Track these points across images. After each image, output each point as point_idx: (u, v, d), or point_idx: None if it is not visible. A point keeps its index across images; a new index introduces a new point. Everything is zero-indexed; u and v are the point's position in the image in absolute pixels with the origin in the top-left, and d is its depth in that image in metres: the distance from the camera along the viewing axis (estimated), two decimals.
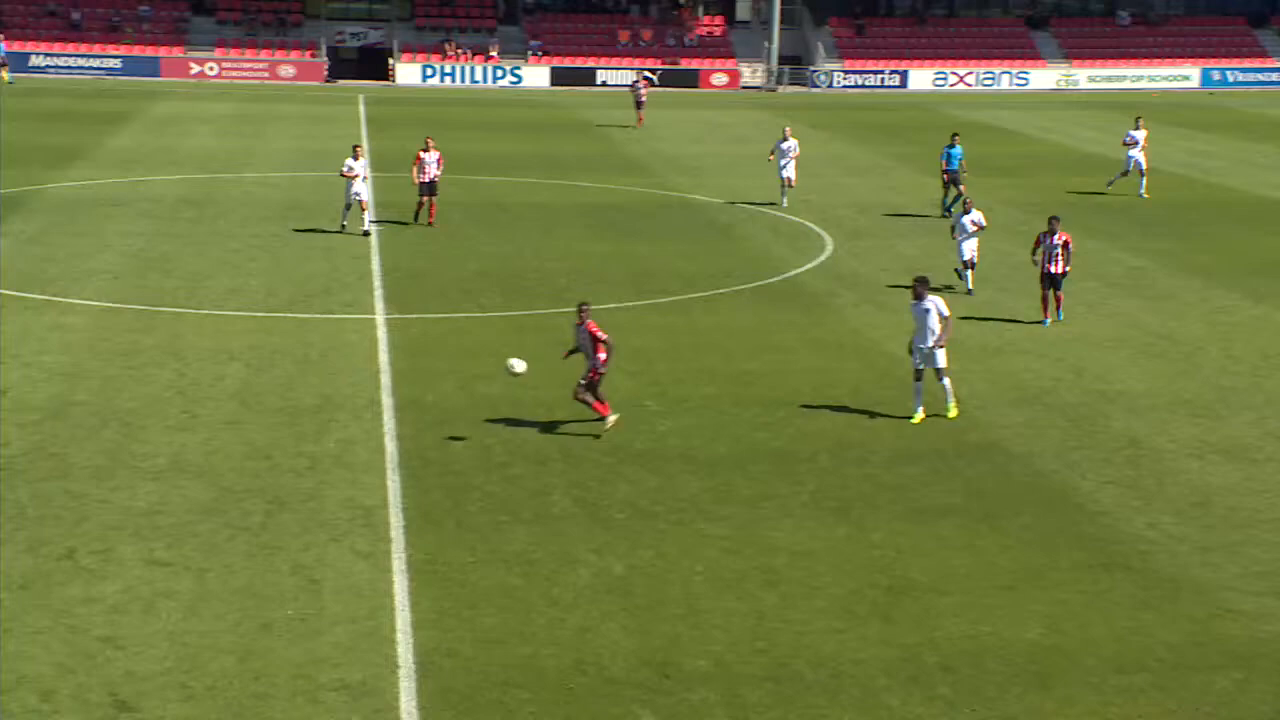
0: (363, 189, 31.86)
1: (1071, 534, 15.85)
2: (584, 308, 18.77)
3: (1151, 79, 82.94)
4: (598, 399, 18.71)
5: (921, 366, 19.35)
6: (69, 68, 73.40)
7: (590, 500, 16.67)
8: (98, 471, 17.02)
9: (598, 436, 18.48)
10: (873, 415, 19.85)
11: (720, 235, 34.34)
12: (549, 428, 19.19)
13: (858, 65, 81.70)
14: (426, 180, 32.81)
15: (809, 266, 30.45)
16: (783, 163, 37.17)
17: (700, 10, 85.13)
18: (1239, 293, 28.31)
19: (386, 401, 20.09)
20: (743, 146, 52.44)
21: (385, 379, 21.24)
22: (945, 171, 36.43)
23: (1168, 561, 15.11)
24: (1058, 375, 22.24)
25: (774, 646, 13.09)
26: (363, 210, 31.95)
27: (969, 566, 14.94)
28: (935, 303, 19.13)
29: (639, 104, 57.55)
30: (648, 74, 66.82)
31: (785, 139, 37.37)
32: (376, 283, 27.62)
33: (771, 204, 37.72)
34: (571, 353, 19.24)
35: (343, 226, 32.10)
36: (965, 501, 16.89)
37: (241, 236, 31.97)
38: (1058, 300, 25.13)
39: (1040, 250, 25.04)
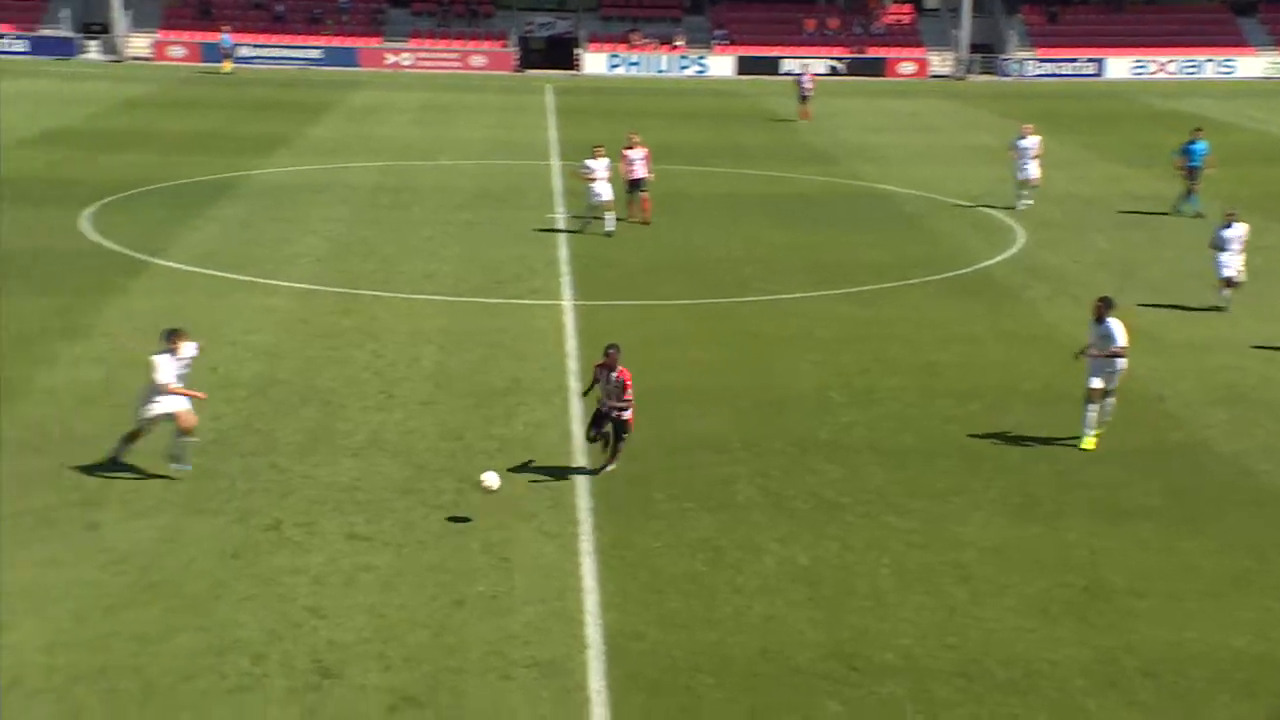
0: (605, 189, 31.09)
1: None
2: (612, 351, 16.81)
3: None
4: (615, 445, 17.01)
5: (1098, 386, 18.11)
6: (273, 58, 75.94)
7: (774, 490, 16.61)
8: (300, 447, 17.61)
9: (595, 471, 17.01)
10: (1065, 411, 19.31)
11: (908, 225, 33.86)
12: (732, 417, 19.17)
13: (1051, 53, 79.40)
14: (634, 178, 32.26)
15: (1000, 258, 29.80)
16: (1022, 162, 35.29)
17: None
18: None
19: (573, 386, 20.30)
20: (931, 136, 51.66)
21: (572, 364, 21.47)
22: (1185, 168, 34.78)
23: None
24: (1267, 373, 21.36)
25: (964, 643, 12.89)
26: (605, 211, 31.02)
27: (1169, 569, 14.46)
28: (1115, 327, 17.88)
29: (803, 98, 56.05)
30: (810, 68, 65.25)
31: (1023, 136, 35.50)
32: (564, 270, 27.93)
33: (970, 201, 37.00)
34: (587, 392, 17.70)
35: (583, 227, 31.57)
36: (1165, 502, 16.34)
37: (435, 223, 32.62)
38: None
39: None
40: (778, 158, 45.15)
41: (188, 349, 16.58)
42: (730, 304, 25.50)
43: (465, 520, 15.28)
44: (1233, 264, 25.11)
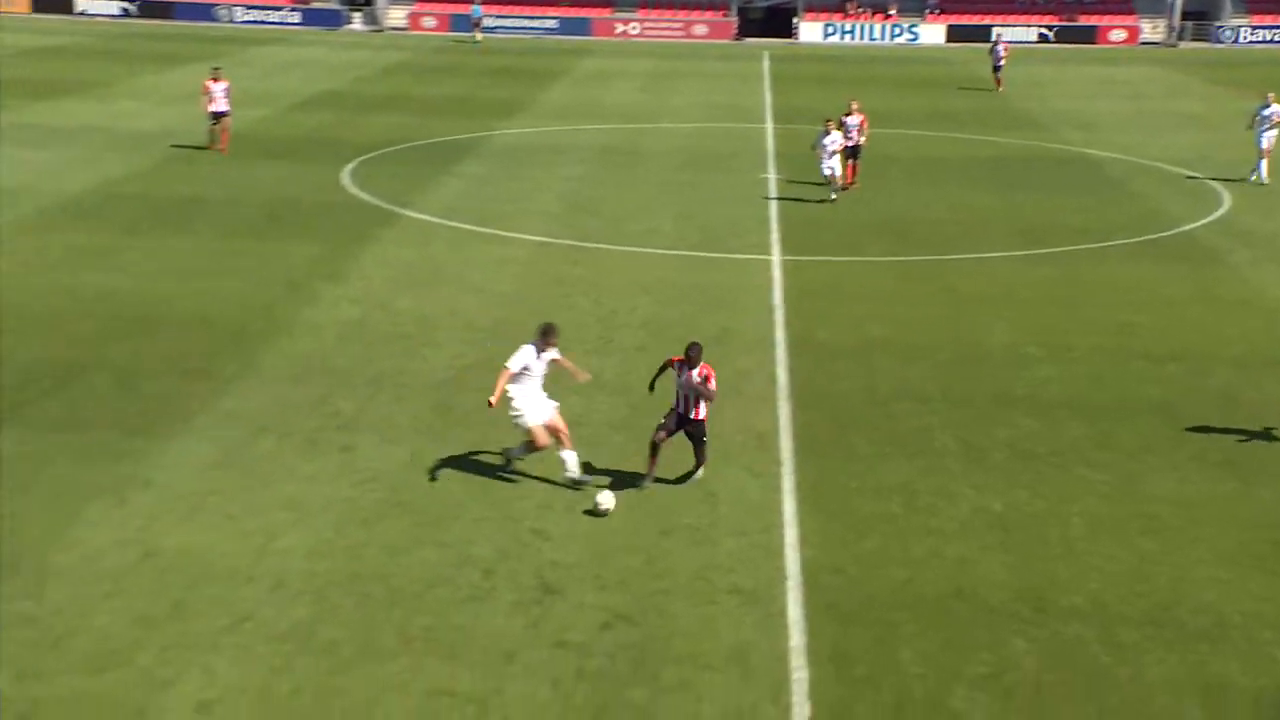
0: (835, 164, 29.93)
1: None
2: (694, 349, 14.53)
3: None
4: (699, 450, 14.88)
5: None
6: (514, 28, 77.27)
7: (970, 440, 16.32)
8: None
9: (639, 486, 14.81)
10: (1268, 375, 18.38)
11: (1112, 189, 32.49)
12: (931, 370, 18.88)
13: (1266, 20, 74.79)
14: (851, 145, 31.29)
15: (1204, 222, 28.44)
16: (1262, 130, 32.96)
17: None
18: None
19: (779, 337, 20.27)
20: (1139, 103, 49.37)
21: (779, 316, 21.42)
22: None
23: None
24: None
25: (1154, 591, 12.55)
26: (832, 181, 30.02)
27: None
28: None
29: (997, 67, 53.24)
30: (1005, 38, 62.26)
31: (1268, 104, 33.05)
32: (774, 228, 27.80)
33: (1188, 172, 35.27)
34: (654, 385, 15.57)
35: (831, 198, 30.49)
36: None
37: (656, 183, 32.85)
38: None
39: None
40: (985, 123, 43.91)
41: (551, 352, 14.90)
42: (934, 262, 25.03)
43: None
44: None
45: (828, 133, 29.80)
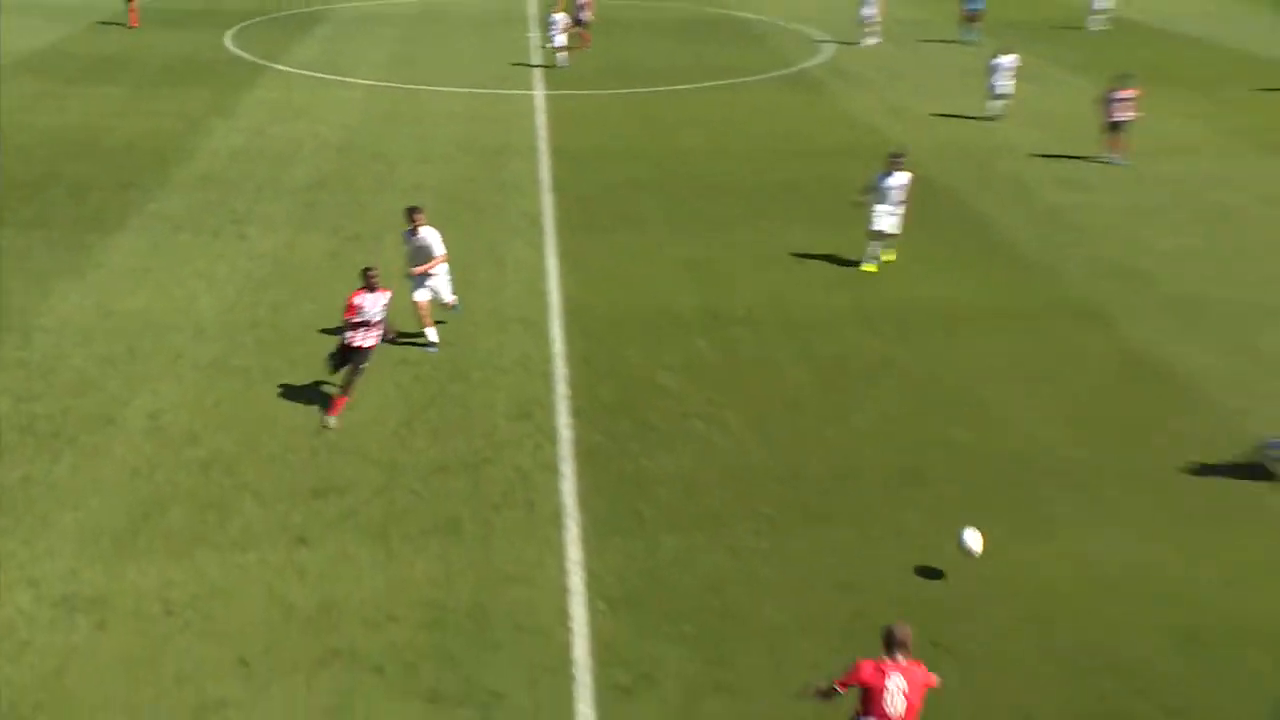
0: (562, 39, 26.31)
1: None
2: (372, 273, 10.19)
3: None
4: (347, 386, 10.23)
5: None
6: None
7: (673, 213, 16.33)
8: (371, 187, 17.31)
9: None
10: (852, 160, 18.40)
11: (755, 41, 31.65)
12: (645, 166, 18.69)
13: None
14: (580, 19, 28.62)
15: (814, 63, 28.28)
16: (865, 8, 29.29)
17: None
18: None
19: (542, 148, 19.82)
20: None
21: (542, 133, 20.87)
22: (965, 9, 30.09)
23: None
24: None
25: (785, 305, 13.09)
26: (557, 53, 27.35)
27: None
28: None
29: None
30: None
31: (866, 2, 29.27)
32: (537, 74, 26.66)
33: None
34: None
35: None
36: None
37: (454, 40, 30.76)
38: None
39: None
40: None
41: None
42: (645, 93, 24.52)
43: None
44: (1006, 85, 21.92)
45: (554, 15, 26.99)
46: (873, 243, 14.14)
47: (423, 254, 11.53)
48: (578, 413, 10.57)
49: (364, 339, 10.25)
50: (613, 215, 16.36)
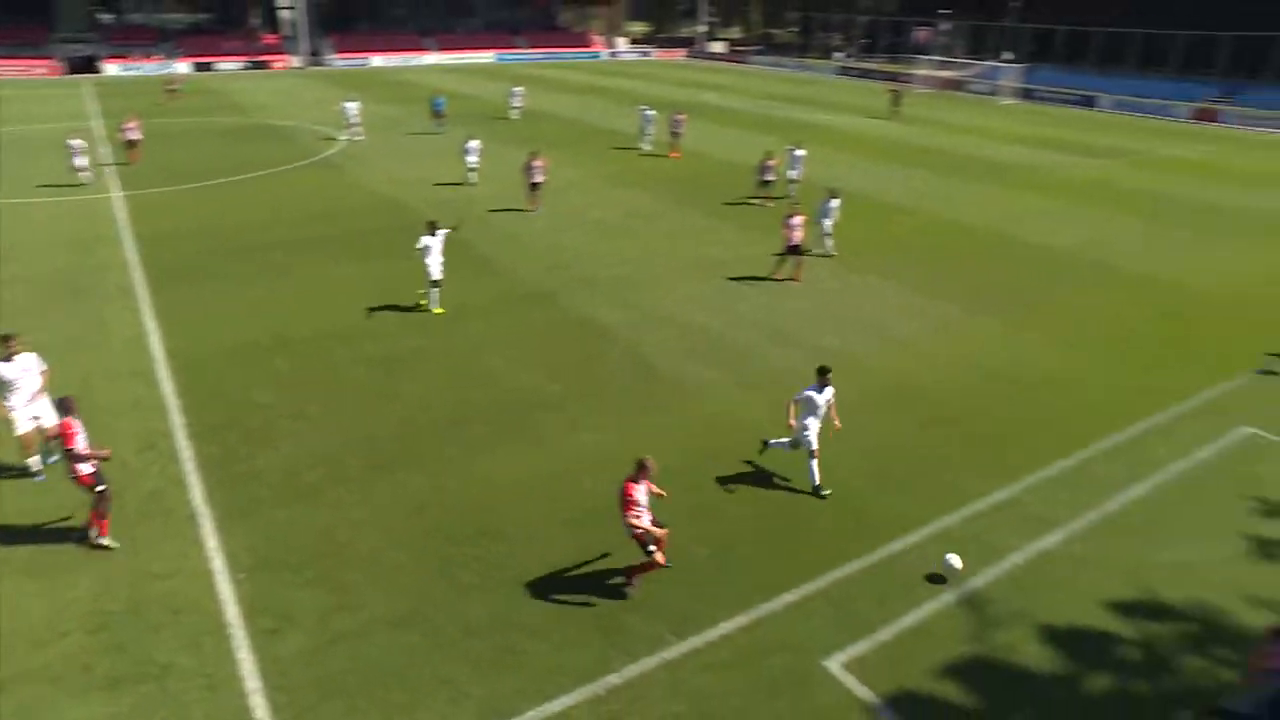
0: (85, 161, 21.34)
1: None
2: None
3: None
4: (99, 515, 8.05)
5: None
6: None
7: (237, 268, 15.18)
8: None
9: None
10: (380, 215, 18.60)
11: (286, 139, 28.17)
12: (214, 241, 17.12)
13: (348, 55, 53.03)
14: (130, 139, 23.53)
15: (330, 154, 26.44)
16: (348, 110, 27.39)
17: None
18: None
19: (126, 235, 17.36)
20: (290, 95, 41.47)
21: (125, 223, 18.25)
22: (435, 114, 28.36)
23: None
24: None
25: (340, 317, 13.02)
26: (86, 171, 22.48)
27: None
28: None
29: (173, 91, 37.13)
30: None
31: (349, 101, 26.61)
32: (112, 174, 22.72)
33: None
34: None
35: None
36: None
37: (38, 154, 24.75)
38: None
39: None
40: (220, 111, 35.89)
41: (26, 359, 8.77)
42: (205, 186, 21.93)
43: None
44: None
45: (72, 140, 21.94)
46: (433, 290, 13.36)
47: (23, 381, 8.65)
48: (194, 435, 10.02)
49: None
50: (193, 276, 15.05)
